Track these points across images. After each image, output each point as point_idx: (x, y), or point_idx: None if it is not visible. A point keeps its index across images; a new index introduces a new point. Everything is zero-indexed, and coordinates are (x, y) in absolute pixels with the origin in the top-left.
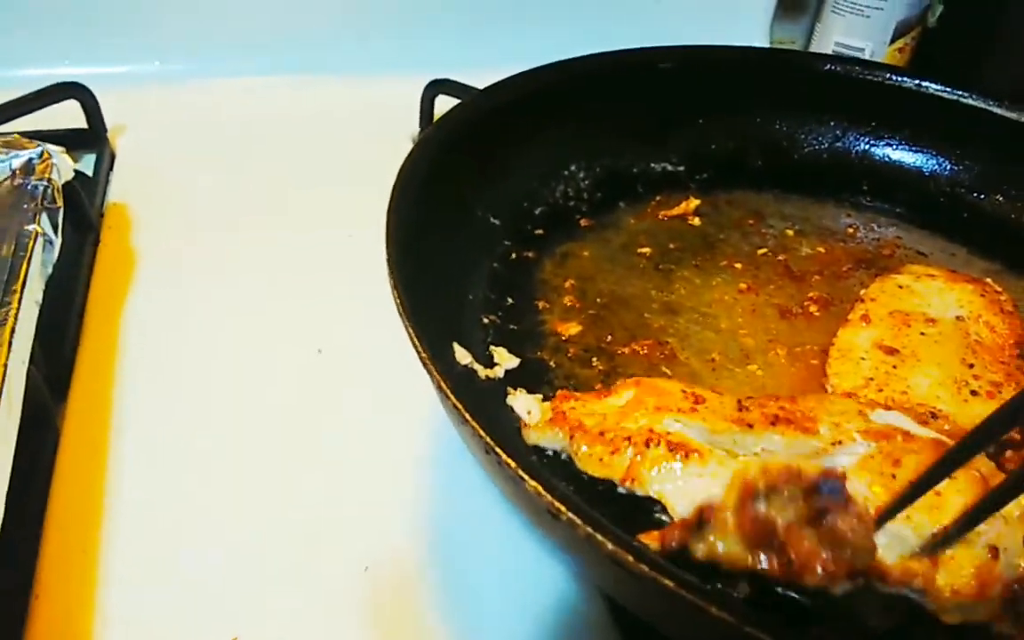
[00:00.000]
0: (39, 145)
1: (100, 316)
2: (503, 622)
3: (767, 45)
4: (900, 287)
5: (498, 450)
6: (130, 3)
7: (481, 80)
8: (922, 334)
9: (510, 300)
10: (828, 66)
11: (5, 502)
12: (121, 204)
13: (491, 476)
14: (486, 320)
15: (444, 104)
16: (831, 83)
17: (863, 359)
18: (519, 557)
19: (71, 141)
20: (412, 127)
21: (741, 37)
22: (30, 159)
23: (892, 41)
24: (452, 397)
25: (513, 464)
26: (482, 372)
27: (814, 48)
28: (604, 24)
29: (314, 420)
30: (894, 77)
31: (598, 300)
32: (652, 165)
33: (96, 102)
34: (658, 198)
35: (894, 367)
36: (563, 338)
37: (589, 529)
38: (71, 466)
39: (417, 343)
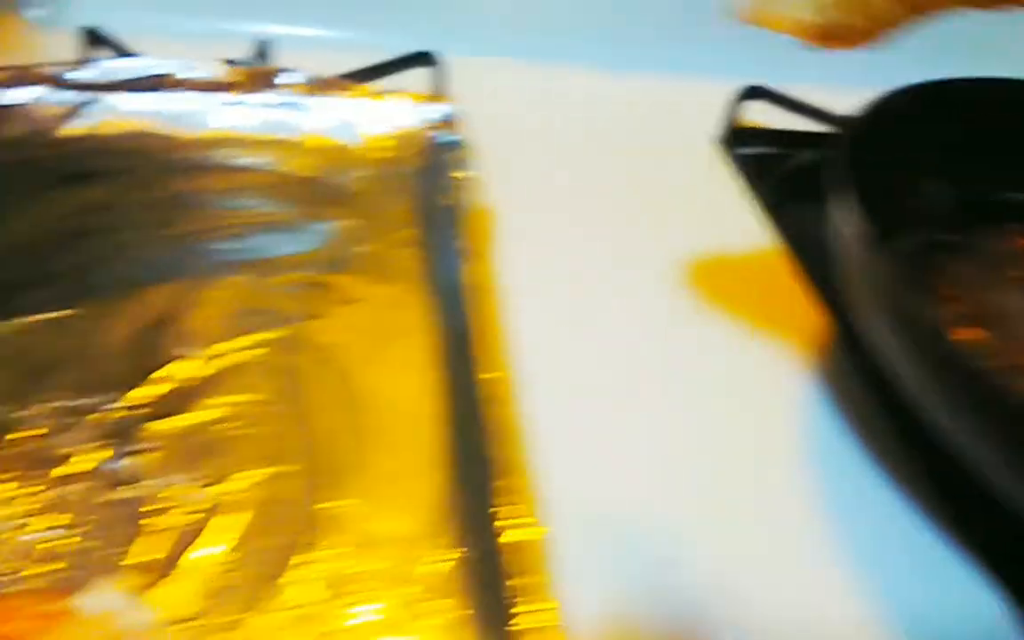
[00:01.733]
0: (449, 103)
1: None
2: None
3: None
4: None
5: None
6: None
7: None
8: None
9: None
10: None
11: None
12: None
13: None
14: None
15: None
16: None
17: None
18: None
19: None
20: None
21: None
22: (445, 114)
23: None
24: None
25: None
26: None
27: None
28: (915, 52)
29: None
30: None
31: (988, 312)
32: (1009, 195)
33: (443, 73)
34: (1018, 226)
35: None
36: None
37: None
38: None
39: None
